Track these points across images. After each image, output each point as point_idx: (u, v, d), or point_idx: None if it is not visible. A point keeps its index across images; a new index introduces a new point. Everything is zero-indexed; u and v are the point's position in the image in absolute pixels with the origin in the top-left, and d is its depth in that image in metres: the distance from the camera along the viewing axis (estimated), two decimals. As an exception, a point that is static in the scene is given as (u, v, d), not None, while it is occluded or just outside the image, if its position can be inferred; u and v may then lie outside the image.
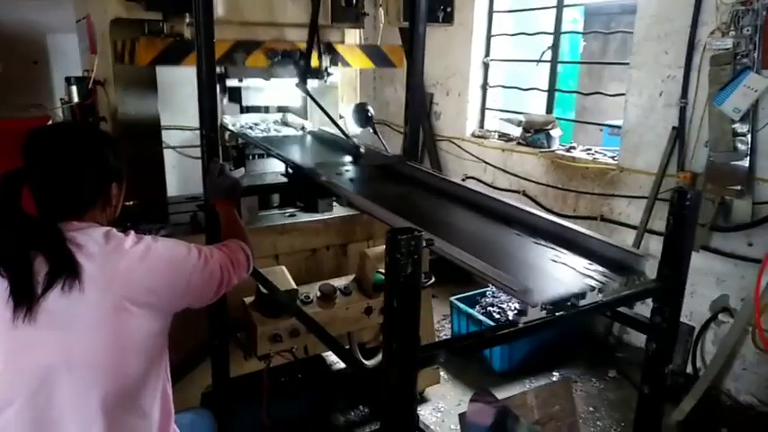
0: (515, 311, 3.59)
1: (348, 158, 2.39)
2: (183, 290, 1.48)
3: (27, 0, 4.19)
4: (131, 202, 2.69)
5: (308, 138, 2.85)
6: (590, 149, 4.02)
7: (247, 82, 2.70)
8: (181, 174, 3.44)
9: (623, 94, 3.62)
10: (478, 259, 1.26)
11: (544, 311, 1.20)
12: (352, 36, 3.03)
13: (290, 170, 2.28)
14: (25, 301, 1.27)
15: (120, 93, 2.74)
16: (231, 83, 2.67)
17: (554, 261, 1.42)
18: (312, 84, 2.60)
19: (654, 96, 3.39)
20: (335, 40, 2.63)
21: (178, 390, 2.29)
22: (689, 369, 3.30)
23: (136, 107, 2.75)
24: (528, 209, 1.72)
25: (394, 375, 1.04)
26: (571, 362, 3.55)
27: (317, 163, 2.26)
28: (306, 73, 2.47)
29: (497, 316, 3.55)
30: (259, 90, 2.81)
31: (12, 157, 1.41)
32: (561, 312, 1.24)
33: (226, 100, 2.82)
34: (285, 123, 3.04)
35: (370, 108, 2.55)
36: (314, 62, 2.47)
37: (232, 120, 2.89)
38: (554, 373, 3.47)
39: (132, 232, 1.45)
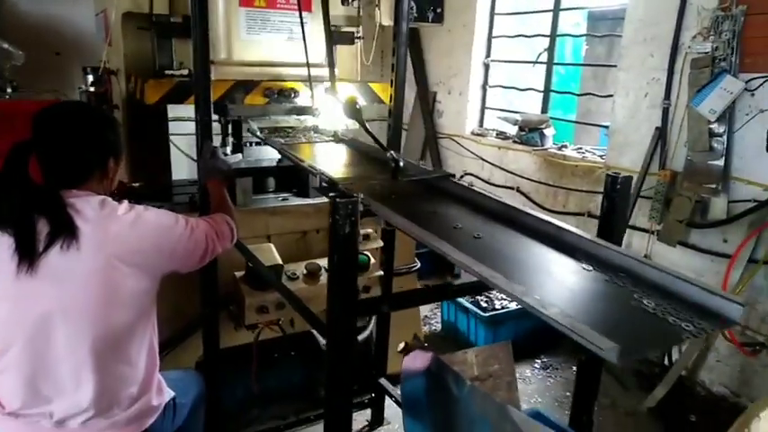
0: (501, 300, 3.74)
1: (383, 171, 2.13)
2: (168, 254, 1.67)
3: (51, -6, 4.45)
4: (138, 184, 2.91)
5: (343, 147, 2.64)
6: (581, 148, 4.15)
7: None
8: (188, 160, 3.65)
9: (611, 96, 3.75)
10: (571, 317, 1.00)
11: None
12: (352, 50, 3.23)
13: (324, 184, 2.04)
14: (27, 256, 1.47)
15: (130, 82, 2.96)
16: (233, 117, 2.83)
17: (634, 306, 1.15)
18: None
19: (639, 98, 3.52)
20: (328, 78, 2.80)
21: (173, 357, 2.51)
22: (666, 361, 3.42)
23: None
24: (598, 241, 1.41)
25: (334, 318, 1.22)
26: (554, 350, 3.68)
27: (354, 177, 2.07)
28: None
29: (485, 305, 3.71)
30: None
31: (25, 132, 1.61)
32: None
33: (229, 129, 2.96)
34: (316, 130, 2.96)
35: (358, 101, 2.71)
36: (308, 101, 2.66)
37: (258, 124, 2.86)
38: (536, 360, 3.61)
39: (125, 201, 1.64)
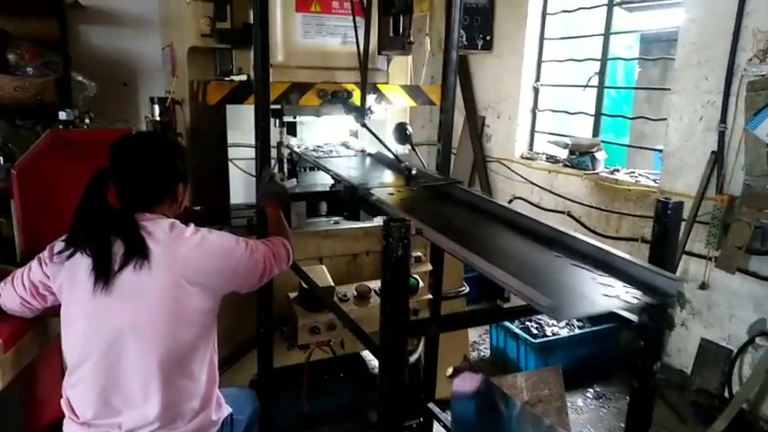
0: (552, 326, 3.70)
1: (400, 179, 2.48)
2: (230, 275, 1.77)
3: (120, 29, 4.76)
4: (199, 207, 3.06)
5: (368, 159, 3.04)
6: (633, 172, 4.09)
7: (303, 119, 3.00)
8: (245, 185, 3.81)
9: (665, 119, 3.70)
10: (511, 276, 1.27)
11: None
12: (404, 62, 3.31)
13: (343, 188, 2.41)
14: (104, 275, 1.59)
15: (194, 112, 3.14)
16: (287, 118, 2.98)
17: (589, 282, 1.43)
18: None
19: (694, 121, 3.46)
20: (381, 81, 2.91)
21: (228, 375, 2.61)
22: (726, 393, 3.29)
23: (207, 125, 3.13)
24: (569, 232, 1.69)
25: (386, 338, 1.27)
26: (607, 379, 3.60)
27: (363, 183, 2.34)
28: (363, 110, 2.72)
29: (535, 331, 3.67)
30: (311, 125, 3.12)
31: (102, 159, 1.74)
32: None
33: (284, 132, 3.10)
34: (346, 146, 3.23)
35: (409, 127, 2.80)
36: (360, 102, 2.74)
37: (297, 141, 3.10)
38: (589, 390, 3.53)
39: (192, 224, 1.76)
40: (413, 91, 2.94)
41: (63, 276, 1.65)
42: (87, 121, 2.52)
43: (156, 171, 1.73)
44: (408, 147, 2.83)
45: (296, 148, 3.01)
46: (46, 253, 1.70)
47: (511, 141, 5.04)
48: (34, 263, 1.72)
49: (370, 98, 2.77)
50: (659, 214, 1.55)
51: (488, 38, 2.92)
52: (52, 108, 3.73)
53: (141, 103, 4.82)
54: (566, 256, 1.56)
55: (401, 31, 2.98)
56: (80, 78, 4.17)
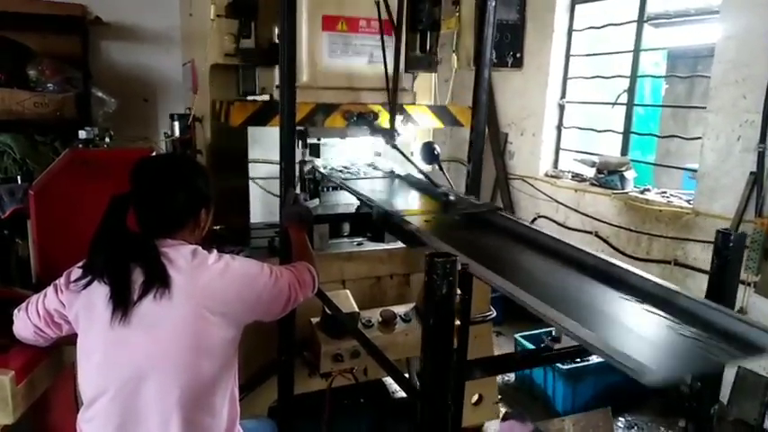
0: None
1: (435, 205, 2.39)
2: (254, 303, 1.68)
3: (140, 45, 4.74)
4: (218, 227, 2.98)
5: (397, 182, 2.93)
6: (665, 192, 3.95)
7: (325, 140, 2.93)
8: (264, 204, 3.74)
9: (700, 138, 3.57)
10: (588, 330, 1.14)
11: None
12: (427, 79, 3.23)
13: (375, 213, 2.29)
14: (122, 305, 1.51)
15: (214, 129, 3.08)
16: (311, 140, 2.91)
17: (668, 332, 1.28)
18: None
19: (731, 141, 3.33)
20: (407, 101, 2.84)
21: (247, 402, 2.50)
22: (765, 424, 3.12)
23: (227, 142, 3.06)
24: (640, 273, 1.53)
25: (429, 385, 1.16)
26: (639, 408, 3.44)
27: (408, 210, 2.26)
28: (392, 132, 2.65)
29: (562, 356, 3.52)
30: (334, 145, 3.04)
31: (121, 180, 1.67)
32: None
33: (307, 154, 3.02)
34: (375, 167, 3.16)
35: (436, 146, 2.71)
36: (387, 124, 2.67)
37: (323, 162, 3.04)
38: (620, 419, 3.38)
39: (215, 251, 1.67)
40: (440, 112, 2.87)
41: (79, 305, 1.57)
42: (108, 140, 2.45)
43: (177, 195, 1.64)
44: (435, 166, 2.73)
45: (321, 169, 2.92)
46: (62, 280, 1.63)
47: (535, 159, 4.92)
48: (50, 290, 1.65)
49: (397, 119, 2.69)
50: (719, 246, 1.43)
51: (518, 55, 2.84)
52: (72, 124, 3.71)
53: (161, 120, 4.79)
54: (634, 299, 1.42)
55: (428, 48, 2.92)
56: (100, 94, 4.15)
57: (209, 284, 1.57)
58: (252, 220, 3.13)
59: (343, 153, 3.17)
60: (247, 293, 1.66)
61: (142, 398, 1.51)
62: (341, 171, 3.03)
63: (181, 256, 1.58)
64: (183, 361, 1.53)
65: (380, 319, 2.45)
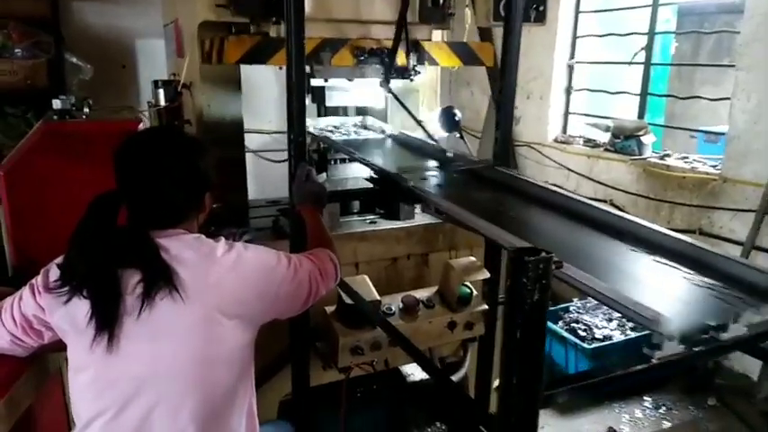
0: (602, 328, 3.37)
1: (433, 163, 2.29)
2: (272, 300, 1.43)
3: (116, 6, 4.34)
4: (216, 205, 2.70)
5: (390, 141, 2.79)
6: (687, 157, 3.74)
7: (332, 82, 2.63)
8: (259, 177, 3.44)
9: (728, 99, 3.33)
10: (595, 278, 1.10)
11: (681, 346, 1.04)
12: (437, 38, 2.93)
13: (374, 176, 2.20)
14: (106, 327, 1.25)
15: (205, 96, 2.75)
16: (316, 82, 2.61)
17: (682, 282, 1.26)
18: (395, 83, 2.52)
19: (764, 101, 3.10)
20: (423, 37, 2.53)
21: (258, 397, 2.28)
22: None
23: (220, 111, 2.75)
24: (646, 223, 1.53)
25: (514, 416, 0.92)
26: (664, 386, 3.28)
27: (401, 168, 2.18)
28: (390, 71, 2.39)
29: (583, 333, 3.34)
30: (343, 90, 2.75)
31: (105, 156, 1.38)
32: (700, 348, 1.07)
33: (308, 100, 2.77)
34: (365, 127, 2.99)
35: (457, 112, 2.44)
36: (401, 60, 2.38)
37: (311, 122, 2.86)
38: (645, 398, 3.22)
39: (222, 239, 1.41)
40: (460, 49, 2.57)
41: (61, 314, 1.30)
42: (86, 110, 2.13)
43: (179, 184, 1.36)
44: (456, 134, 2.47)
45: (311, 129, 2.65)
46: (39, 279, 1.35)
47: (543, 124, 4.67)
48: (26, 291, 1.37)
49: (412, 57, 2.42)
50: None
51: (541, 8, 2.54)
52: (44, 93, 3.37)
53: (142, 88, 4.43)
54: (644, 251, 1.42)
55: (441, 2, 2.62)
56: (74, 60, 3.78)
57: (220, 281, 1.32)
58: (250, 197, 2.86)
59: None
60: (265, 289, 1.40)
61: (148, 420, 1.27)
62: (331, 131, 2.78)
63: (184, 248, 1.32)
64: (194, 375, 1.29)
65: (402, 305, 2.22)
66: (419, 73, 2.49)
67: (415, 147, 2.57)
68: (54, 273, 1.32)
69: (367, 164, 2.19)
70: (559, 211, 1.78)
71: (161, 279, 1.25)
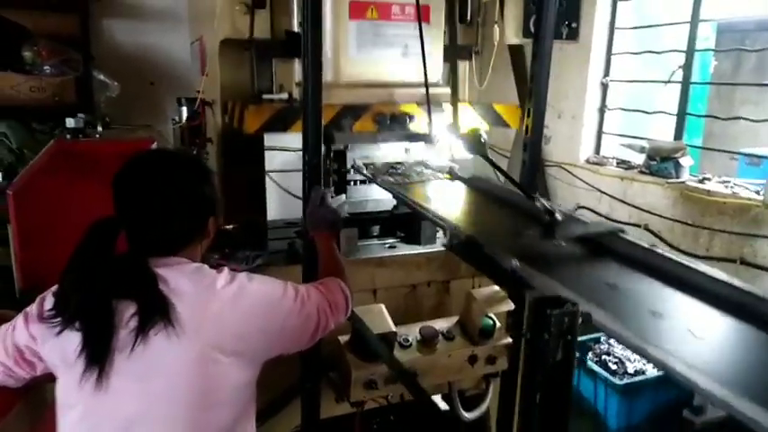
0: (635, 362, 3.19)
1: (530, 227, 1.64)
2: (276, 335, 1.34)
3: (146, 23, 4.37)
4: (232, 226, 2.64)
5: (463, 187, 2.20)
6: (728, 182, 3.53)
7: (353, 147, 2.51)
8: (281, 197, 3.37)
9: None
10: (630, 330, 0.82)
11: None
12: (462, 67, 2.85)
13: (454, 241, 1.57)
14: (97, 362, 1.18)
15: (225, 114, 2.71)
16: (337, 148, 2.45)
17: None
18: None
19: (815, 123, 2.90)
20: (445, 98, 2.48)
21: (265, 430, 2.18)
22: None
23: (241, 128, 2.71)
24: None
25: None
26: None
27: (501, 236, 1.65)
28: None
29: (614, 367, 3.16)
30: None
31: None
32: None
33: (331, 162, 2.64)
34: (426, 166, 2.48)
35: (483, 134, 2.32)
36: (422, 128, 2.32)
37: (365, 160, 2.46)
38: (682, 438, 3.01)
39: (225, 269, 1.32)
40: (484, 111, 2.51)
41: (53, 344, 1.23)
42: (100, 128, 2.09)
43: (181, 210, 1.30)
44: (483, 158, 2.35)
45: (365, 171, 2.44)
46: (34, 308, 1.29)
47: (574, 144, 4.50)
48: (19, 321, 1.31)
49: (437, 121, 2.33)
50: None
51: (574, 25, 2.43)
52: (72, 110, 3.36)
53: (169, 105, 4.43)
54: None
55: (469, 18, 2.54)
56: (102, 77, 3.80)
57: (220, 316, 1.23)
58: (269, 217, 2.79)
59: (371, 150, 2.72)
60: (269, 324, 1.32)
61: (136, 466, 1.18)
62: (389, 174, 2.35)
63: (182, 278, 1.24)
64: (188, 416, 1.20)
65: (419, 337, 2.10)
66: (439, 140, 2.40)
67: (502, 199, 1.95)
68: (49, 301, 1.26)
69: (451, 229, 1.59)
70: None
71: (157, 313, 1.17)
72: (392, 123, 2.30)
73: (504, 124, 2.55)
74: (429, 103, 2.27)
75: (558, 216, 1.54)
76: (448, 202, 2.01)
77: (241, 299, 1.27)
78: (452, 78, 2.27)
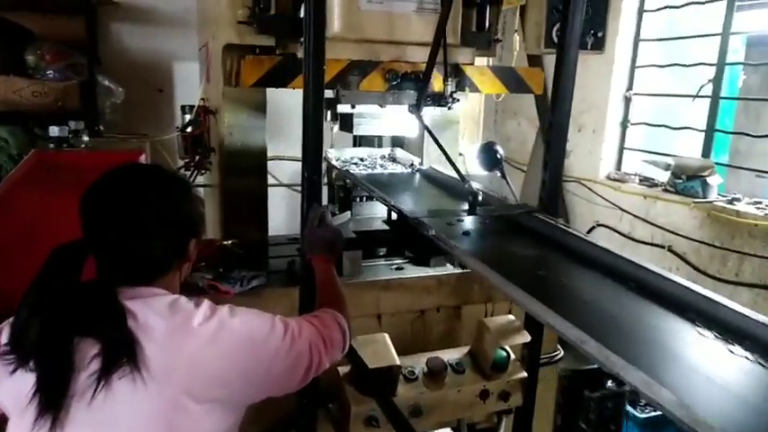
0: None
1: (464, 206, 2.02)
2: (260, 378, 1.18)
3: (155, 28, 4.26)
4: (230, 242, 2.49)
5: (418, 177, 2.60)
6: (760, 203, 3.33)
7: (360, 108, 2.39)
8: (289, 209, 3.22)
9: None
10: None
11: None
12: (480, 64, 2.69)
13: (393, 217, 1.98)
14: (51, 408, 1.03)
15: (227, 122, 2.58)
16: (342, 108, 2.38)
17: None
18: (432, 112, 2.28)
19: None
20: (464, 61, 2.28)
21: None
22: None
23: (242, 139, 2.57)
24: (718, 298, 1.27)
25: None
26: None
27: (430, 210, 1.94)
28: (422, 96, 2.14)
29: (634, 397, 2.96)
30: (373, 118, 2.50)
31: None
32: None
33: (336, 128, 2.55)
34: (393, 159, 2.77)
35: (499, 148, 2.17)
36: (437, 85, 2.14)
37: (336, 153, 2.66)
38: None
39: (205, 301, 1.17)
40: (506, 75, 2.32)
41: (6, 384, 1.09)
42: (85, 138, 1.96)
43: (154, 235, 1.15)
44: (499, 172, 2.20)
45: (333, 161, 2.44)
46: (-10, 339, 1.14)
47: (595, 159, 4.33)
48: None
49: (451, 83, 2.18)
50: None
51: (600, 34, 2.26)
52: (75, 116, 3.27)
53: (177, 112, 4.32)
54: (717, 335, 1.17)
55: (486, 26, 2.38)
56: (107, 83, 3.69)
57: (194, 358, 1.08)
58: (274, 231, 2.65)
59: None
60: (252, 365, 1.16)
61: None
62: (355, 164, 2.62)
63: (155, 316, 1.09)
64: (151, 474, 1.04)
65: (426, 369, 1.93)
66: (458, 101, 2.23)
67: (445, 185, 2.31)
68: (5, 335, 1.12)
69: (387, 204, 1.97)
70: (612, 275, 1.50)
71: (123, 355, 1.02)
72: (403, 82, 2.13)
73: (527, 89, 2.37)
74: (446, 61, 2.10)
75: (480, 197, 1.95)
76: (398, 187, 2.31)
77: (220, 338, 1.12)
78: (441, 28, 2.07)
